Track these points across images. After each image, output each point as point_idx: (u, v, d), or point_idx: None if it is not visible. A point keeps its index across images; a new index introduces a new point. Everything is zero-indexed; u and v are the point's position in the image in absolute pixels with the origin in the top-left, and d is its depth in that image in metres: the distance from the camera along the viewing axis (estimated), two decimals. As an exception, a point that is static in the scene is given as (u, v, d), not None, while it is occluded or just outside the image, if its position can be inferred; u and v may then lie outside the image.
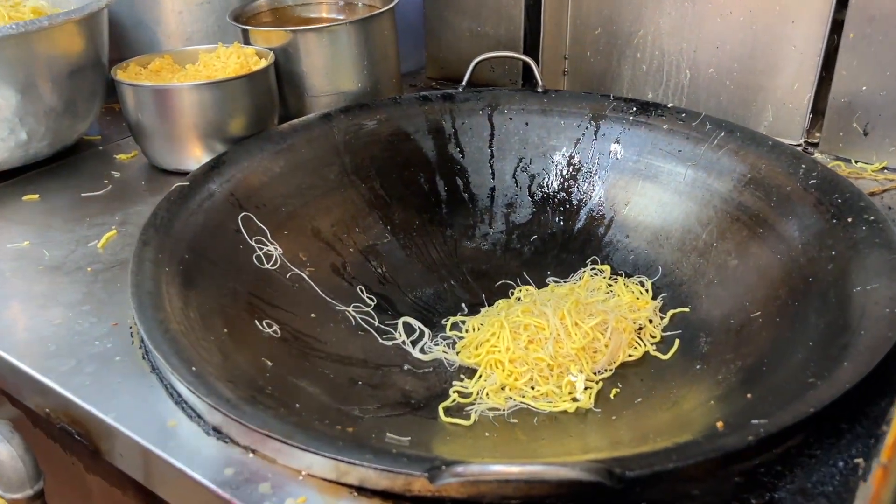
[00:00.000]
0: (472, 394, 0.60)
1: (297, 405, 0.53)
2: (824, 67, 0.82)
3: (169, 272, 0.60)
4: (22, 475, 0.54)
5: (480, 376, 0.62)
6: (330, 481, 0.44)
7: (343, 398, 0.58)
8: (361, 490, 0.43)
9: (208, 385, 0.48)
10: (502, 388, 0.60)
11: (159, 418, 0.50)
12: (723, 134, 0.77)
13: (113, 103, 0.92)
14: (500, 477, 0.37)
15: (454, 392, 0.61)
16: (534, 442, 0.56)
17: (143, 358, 0.57)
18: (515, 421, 0.58)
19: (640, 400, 0.61)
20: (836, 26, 0.81)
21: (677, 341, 0.66)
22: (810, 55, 0.83)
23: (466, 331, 0.68)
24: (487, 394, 0.60)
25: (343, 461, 0.42)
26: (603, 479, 0.37)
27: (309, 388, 0.57)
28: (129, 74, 0.82)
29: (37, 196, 0.79)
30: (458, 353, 0.65)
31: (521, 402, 0.59)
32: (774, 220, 0.69)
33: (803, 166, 0.70)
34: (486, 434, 0.56)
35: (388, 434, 0.52)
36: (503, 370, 0.61)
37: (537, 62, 0.89)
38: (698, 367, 0.62)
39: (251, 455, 0.47)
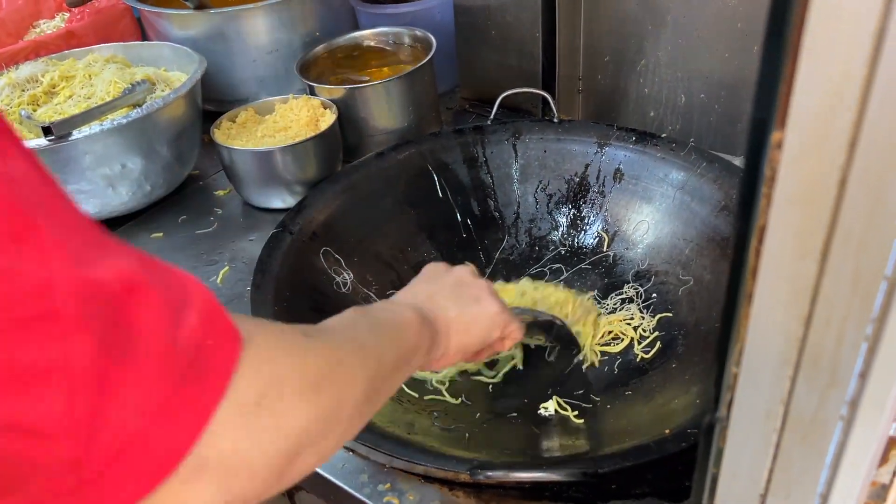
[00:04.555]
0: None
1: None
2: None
3: (277, 310, 0.82)
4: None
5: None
6: (404, 472, 0.67)
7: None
8: (427, 478, 0.66)
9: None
10: None
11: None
12: (704, 164, 0.94)
13: (203, 134, 1.11)
14: (516, 479, 0.59)
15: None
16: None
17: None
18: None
19: (629, 393, 0.81)
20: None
21: (658, 343, 0.86)
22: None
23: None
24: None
25: (413, 462, 0.64)
26: (582, 479, 0.58)
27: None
28: (223, 132, 1.01)
29: (161, 234, 1.01)
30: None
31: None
32: (741, 244, 0.87)
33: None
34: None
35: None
36: None
37: (553, 93, 1.06)
38: (674, 366, 0.82)
39: (351, 454, 0.69)
